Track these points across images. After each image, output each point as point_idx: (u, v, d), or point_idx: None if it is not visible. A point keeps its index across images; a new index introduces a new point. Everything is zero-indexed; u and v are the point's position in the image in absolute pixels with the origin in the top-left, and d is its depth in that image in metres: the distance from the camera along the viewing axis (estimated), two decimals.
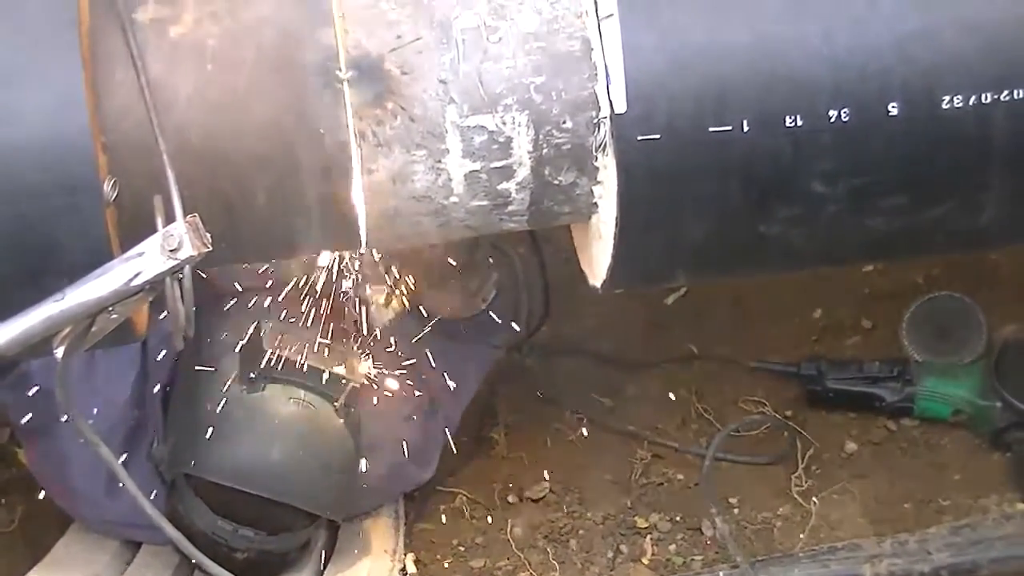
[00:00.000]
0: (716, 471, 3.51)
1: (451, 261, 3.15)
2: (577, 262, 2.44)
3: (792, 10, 2.02)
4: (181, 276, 1.92)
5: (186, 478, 2.98)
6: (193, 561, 2.45)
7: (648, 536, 3.43)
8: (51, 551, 3.21)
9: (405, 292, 3.13)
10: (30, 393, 3.00)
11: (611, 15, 2.01)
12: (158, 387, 3.10)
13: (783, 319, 3.92)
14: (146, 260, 1.85)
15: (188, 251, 1.86)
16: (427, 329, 3.25)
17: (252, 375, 2.99)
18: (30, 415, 3.09)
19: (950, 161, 2.10)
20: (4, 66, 1.94)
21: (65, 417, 2.08)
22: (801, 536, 3.33)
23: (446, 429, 3.46)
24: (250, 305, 3.06)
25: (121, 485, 2.23)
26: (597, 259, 2.26)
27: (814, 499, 3.43)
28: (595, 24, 2.04)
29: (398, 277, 3.10)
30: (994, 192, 2.15)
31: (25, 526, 3.47)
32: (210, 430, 2.96)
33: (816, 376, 3.68)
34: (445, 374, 3.36)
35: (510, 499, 3.57)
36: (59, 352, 1.89)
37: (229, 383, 2.99)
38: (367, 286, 3.12)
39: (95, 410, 3.00)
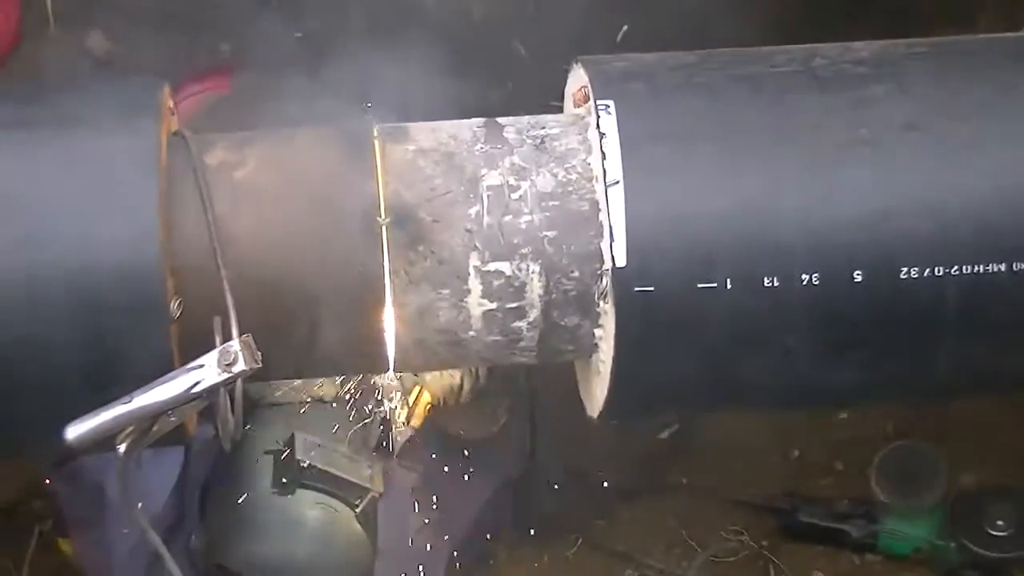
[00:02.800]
0: None
1: (468, 387, 3.25)
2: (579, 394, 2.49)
3: (773, 186, 2.12)
4: (233, 388, 2.03)
5: (219, 569, 3.07)
6: None
7: None
8: None
9: (424, 412, 3.22)
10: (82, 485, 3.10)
11: (617, 182, 2.10)
12: (198, 485, 3.19)
13: (765, 458, 3.98)
14: (205, 372, 1.93)
15: (241, 366, 1.93)
16: (442, 448, 3.34)
17: (284, 479, 3.07)
18: (80, 506, 3.18)
19: (906, 325, 2.17)
20: (94, 199, 2.07)
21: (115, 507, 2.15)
22: None
23: (452, 541, 3.53)
24: (286, 416, 3.16)
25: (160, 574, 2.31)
26: (595, 393, 2.32)
27: None
28: (603, 189, 2.12)
29: (418, 398, 3.20)
30: (945, 354, 2.22)
31: None
32: (243, 527, 3.06)
33: (790, 511, 3.76)
34: (455, 490, 3.45)
35: None
36: (121, 448, 1.96)
37: (262, 485, 3.09)
38: (390, 405, 3.22)
39: (139, 504, 3.09)
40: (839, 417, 3.93)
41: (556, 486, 3.88)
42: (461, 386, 3.27)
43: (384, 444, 3.25)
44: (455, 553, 3.57)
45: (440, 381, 3.22)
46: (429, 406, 3.21)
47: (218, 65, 3.44)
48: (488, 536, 3.79)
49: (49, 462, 3.20)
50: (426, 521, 3.42)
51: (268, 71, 3.22)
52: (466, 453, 3.44)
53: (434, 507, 3.44)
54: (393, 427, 3.25)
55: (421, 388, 3.19)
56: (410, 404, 3.19)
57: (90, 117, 2.18)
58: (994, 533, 3.53)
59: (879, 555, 3.68)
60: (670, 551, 3.79)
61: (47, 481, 3.28)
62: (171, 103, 2.30)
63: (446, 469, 3.43)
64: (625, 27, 3.46)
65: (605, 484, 3.93)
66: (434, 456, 3.38)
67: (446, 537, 3.51)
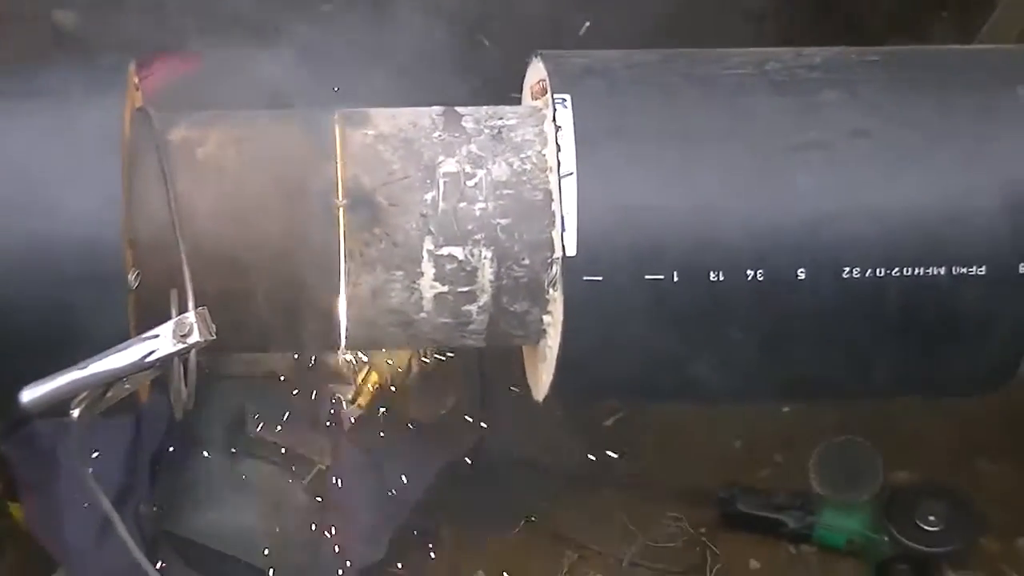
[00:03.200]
0: None
1: (418, 369, 3.27)
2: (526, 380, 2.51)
3: (724, 184, 2.15)
4: (187, 358, 2.05)
5: (167, 535, 3.09)
6: None
7: None
8: None
9: (372, 392, 3.24)
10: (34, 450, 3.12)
11: (571, 173, 2.13)
12: (150, 453, 3.20)
13: (708, 447, 4.03)
14: (160, 342, 1.97)
15: (196, 337, 1.97)
16: (390, 428, 3.37)
17: (234, 450, 3.10)
18: (32, 470, 3.19)
19: (847, 323, 2.20)
20: (56, 169, 2.08)
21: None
22: None
23: (397, 518, 3.56)
24: (238, 389, 3.18)
25: (109, 538, 2.33)
26: (541, 378, 2.35)
27: None
28: (556, 179, 2.15)
29: (367, 378, 3.22)
30: (884, 353, 2.26)
31: (13, 568, 3.55)
32: (193, 494, 3.08)
33: (730, 500, 3.80)
34: (402, 468, 3.48)
35: None
36: (75, 413, 1.99)
37: (213, 455, 3.11)
38: (340, 383, 3.25)
39: (90, 470, 3.11)
40: (781, 411, 3.97)
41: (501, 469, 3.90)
42: (409, 367, 3.29)
43: (333, 420, 3.28)
44: (399, 530, 3.59)
45: (389, 362, 3.24)
46: (377, 386, 3.23)
47: (184, 43, 3.44)
48: (433, 516, 3.81)
49: (1, 427, 3.22)
50: (371, 496, 3.45)
51: (234, 51, 3.23)
52: (413, 434, 3.46)
53: (380, 485, 3.47)
54: (342, 404, 3.28)
55: (370, 368, 3.21)
56: (359, 383, 3.21)
57: (56, 90, 2.19)
58: (925, 528, 3.59)
59: (814, 546, 3.73)
60: (610, 535, 3.83)
61: None
62: (136, 79, 2.31)
63: (394, 449, 3.45)
64: (588, 23, 3.49)
65: (549, 469, 3.97)
66: (382, 435, 3.39)
67: (391, 514, 3.53)
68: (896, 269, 2.17)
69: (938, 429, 3.80)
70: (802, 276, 2.16)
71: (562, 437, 3.95)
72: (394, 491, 3.51)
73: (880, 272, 2.17)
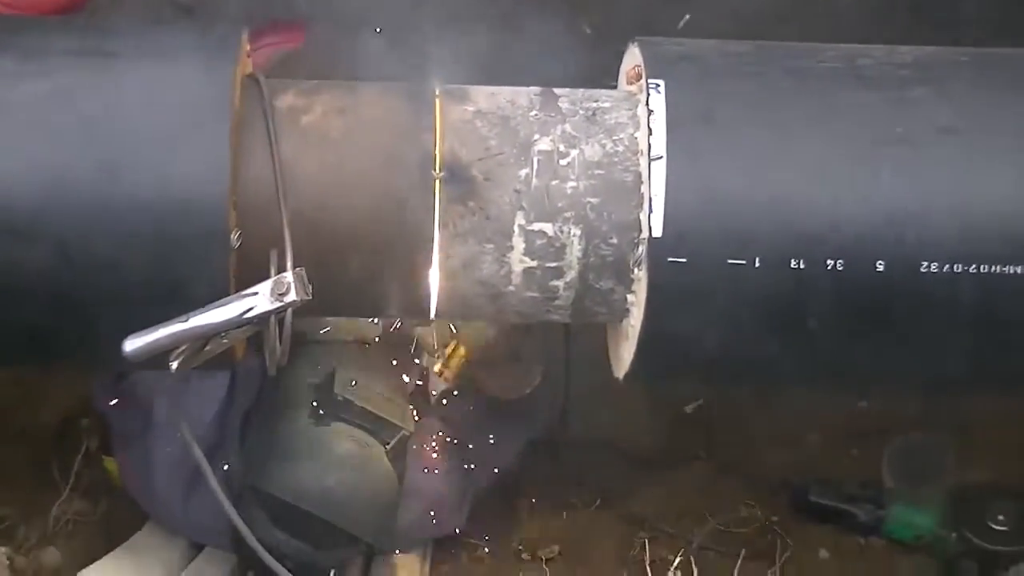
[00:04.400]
0: (704, 559, 3.64)
1: (503, 346, 3.30)
2: (609, 363, 2.55)
3: (809, 175, 2.18)
4: (283, 317, 2.11)
5: (253, 491, 3.13)
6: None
7: None
8: (131, 539, 3.35)
9: (459, 366, 3.27)
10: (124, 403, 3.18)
11: (660, 157, 2.17)
12: (241, 412, 3.26)
13: (785, 438, 4.02)
14: (258, 299, 2.02)
15: (293, 296, 2.03)
16: (474, 403, 3.40)
17: (321, 412, 3.13)
18: (128, 424, 3.25)
19: (923, 317, 2.23)
20: (167, 130, 2.14)
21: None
22: None
23: (478, 488, 3.59)
24: (328, 353, 3.23)
25: (198, 492, 2.36)
26: (623, 355, 2.39)
27: None
28: (647, 163, 2.19)
29: (454, 351, 3.26)
30: (959, 348, 2.28)
31: (106, 518, 3.62)
32: (280, 453, 3.13)
33: (803, 490, 3.80)
34: (484, 442, 3.50)
35: (524, 556, 3.69)
36: (174, 365, 2.05)
37: (301, 415, 3.16)
38: (428, 355, 3.29)
39: (183, 425, 3.16)
40: (858, 406, 3.96)
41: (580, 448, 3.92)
42: (496, 344, 3.32)
43: (419, 390, 3.31)
44: (477, 503, 3.61)
45: (476, 336, 3.27)
46: (464, 360, 3.26)
47: (293, 20, 3.48)
48: (511, 490, 3.83)
49: (102, 380, 3.28)
50: (454, 466, 3.48)
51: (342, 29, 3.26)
52: (496, 409, 3.48)
53: (461, 457, 3.50)
54: (428, 375, 3.31)
55: (457, 343, 3.24)
56: (446, 356, 3.25)
57: (170, 53, 2.26)
58: (994, 527, 3.59)
59: (883, 539, 3.73)
60: (683, 518, 3.83)
61: (97, 400, 3.35)
62: (248, 48, 2.37)
63: (476, 422, 3.47)
64: (687, 16, 3.51)
65: (627, 450, 3.98)
66: (467, 409, 3.42)
67: (470, 487, 3.56)
68: (973, 266, 2.19)
69: (1011, 429, 3.77)
70: (881, 268, 2.19)
71: (642, 419, 3.96)
72: (474, 464, 3.54)
73: (958, 268, 2.19)
